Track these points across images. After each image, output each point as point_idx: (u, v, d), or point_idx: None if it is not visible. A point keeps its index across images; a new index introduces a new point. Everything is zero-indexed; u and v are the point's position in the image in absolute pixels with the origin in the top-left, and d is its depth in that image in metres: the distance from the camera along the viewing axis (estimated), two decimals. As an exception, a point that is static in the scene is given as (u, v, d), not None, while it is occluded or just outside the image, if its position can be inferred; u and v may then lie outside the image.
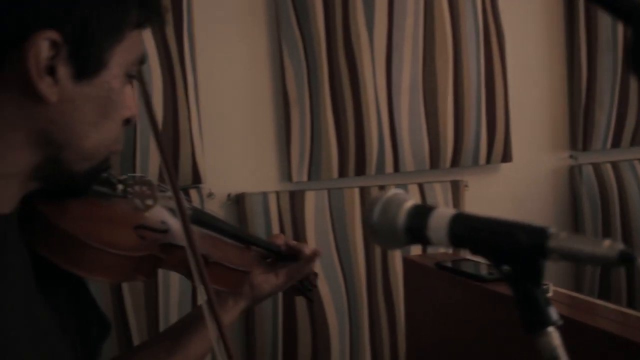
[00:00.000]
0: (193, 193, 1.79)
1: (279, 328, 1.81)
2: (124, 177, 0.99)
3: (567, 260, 0.60)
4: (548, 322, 0.61)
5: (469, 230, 0.65)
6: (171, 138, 1.75)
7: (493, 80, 1.97)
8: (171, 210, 1.00)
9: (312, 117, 1.84)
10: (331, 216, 1.84)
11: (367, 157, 1.86)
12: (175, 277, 1.72)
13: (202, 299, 0.84)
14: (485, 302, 1.22)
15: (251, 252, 1.20)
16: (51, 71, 0.71)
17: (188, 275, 0.92)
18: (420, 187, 1.87)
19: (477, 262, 1.34)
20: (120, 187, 0.97)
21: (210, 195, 1.82)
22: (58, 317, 0.85)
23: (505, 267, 0.63)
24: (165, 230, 0.98)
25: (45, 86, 0.71)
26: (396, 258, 1.85)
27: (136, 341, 1.72)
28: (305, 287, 1.28)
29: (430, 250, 1.60)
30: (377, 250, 1.85)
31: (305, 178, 1.86)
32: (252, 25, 1.85)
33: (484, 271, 1.26)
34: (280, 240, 1.27)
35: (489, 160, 1.99)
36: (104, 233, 0.88)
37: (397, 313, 1.86)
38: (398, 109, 1.86)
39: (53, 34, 0.70)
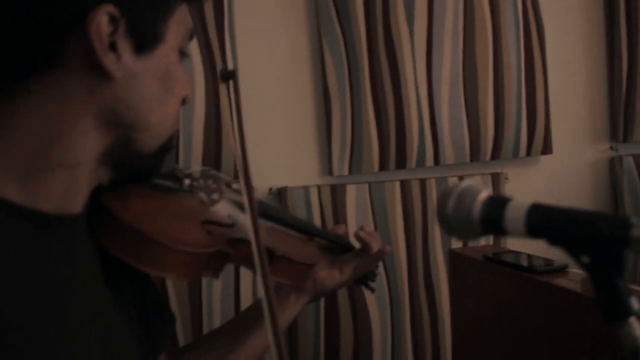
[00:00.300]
0: (235, 188, 1.81)
1: (321, 320, 1.82)
2: (189, 171, 0.98)
3: (650, 251, 0.61)
4: (630, 312, 0.61)
5: (547, 221, 0.65)
6: (214, 133, 1.76)
7: (533, 72, 1.97)
8: (235, 203, 1.00)
9: (352, 111, 1.85)
10: (372, 210, 1.85)
11: (408, 150, 1.86)
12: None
13: (262, 294, 0.83)
14: (538, 294, 1.21)
15: (314, 244, 1.19)
16: (113, 47, 0.71)
17: (254, 269, 0.91)
18: (461, 179, 1.87)
19: (521, 253, 1.33)
20: (187, 181, 0.96)
21: (251, 189, 1.83)
22: (125, 312, 0.86)
23: (585, 258, 0.63)
24: (232, 225, 0.97)
25: (110, 62, 0.70)
26: (437, 251, 1.86)
27: (180, 337, 1.74)
28: (368, 277, 1.26)
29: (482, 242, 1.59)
30: (419, 244, 1.85)
31: (346, 172, 1.87)
32: (293, 20, 1.86)
33: (535, 262, 1.25)
34: (341, 231, 1.25)
35: (529, 152, 1.99)
36: (171, 229, 0.86)
37: (438, 306, 1.86)
38: (438, 102, 1.86)
39: (111, 8, 0.69)
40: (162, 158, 0.84)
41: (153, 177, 0.88)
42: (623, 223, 0.61)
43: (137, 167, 0.81)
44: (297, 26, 1.87)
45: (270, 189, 1.85)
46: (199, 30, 1.73)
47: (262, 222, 1.07)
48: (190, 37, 0.82)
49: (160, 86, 0.76)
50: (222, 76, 0.91)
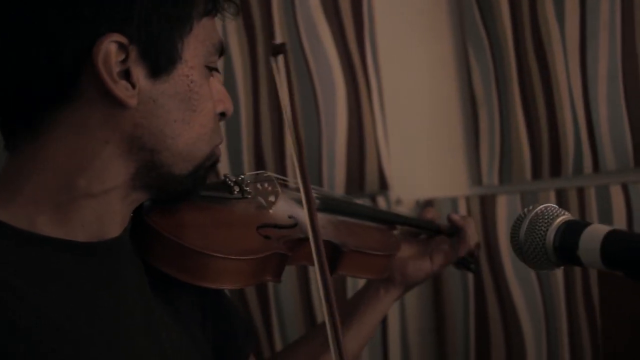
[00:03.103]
0: (381, 200, 1.79)
1: (471, 330, 1.76)
2: (240, 177, 0.97)
3: None
4: None
5: (625, 251, 0.58)
6: (357, 144, 1.77)
7: None
8: (298, 202, 0.97)
9: (501, 117, 1.76)
10: (525, 220, 1.75)
11: (563, 156, 1.74)
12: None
13: (321, 293, 0.79)
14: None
15: (395, 232, 1.14)
16: (127, 75, 0.71)
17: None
18: (624, 188, 1.70)
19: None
20: (236, 188, 0.95)
21: (398, 202, 1.82)
22: (184, 328, 0.88)
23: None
24: (294, 225, 0.96)
25: (121, 91, 0.71)
26: (598, 265, 1.71)
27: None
28: (465, 259, 1.20)
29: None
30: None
31: (496, 181, 1.79)
32: (436, 27, 1.82)
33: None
34: (429, 214, 1.20)
35: None
36: (224, 239, 0.86)
37: (598, 322, 1.71)
38: (595, 102, 1.71)
39: (117, 37, 0.70)
40: (204, 176, 0.84)
41: (195, 195, 0.88)
42: None
43: (172, 189, 0.81)
44: (440, 33, 1.82)
45: (417, 201, 1.81)
46: (339, 41, 1.74)
47: (330, 217, 1.04)
48: (219, 51, 0.81)
49: (183, 107, 0.76)
50: (272, 51, 0.88)
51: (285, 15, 1.75)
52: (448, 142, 1.83)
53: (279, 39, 1.74)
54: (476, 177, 1.81)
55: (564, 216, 0.64)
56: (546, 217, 0.64)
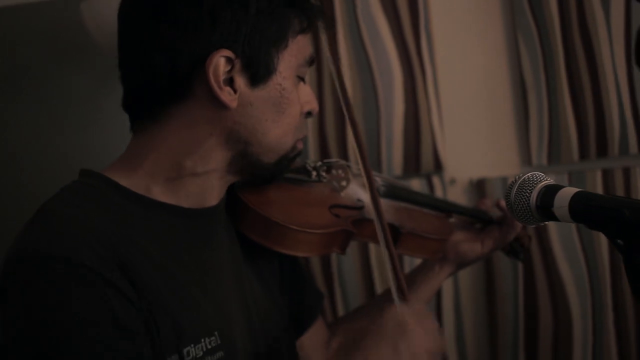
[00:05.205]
0: (436, 180, 1.92)
1: (520, 307, 1.87)
2: (318, 163, 1.14)
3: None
4: (658, 290, 0.65)
5: (586, 207, 0.71)
6: (413, 128, 1.90)
7: None
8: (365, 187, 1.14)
9: (549, 100, 1.86)
10: (572, 198, 1.84)
11: (609, 137, 1.82)
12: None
13: (388, 268, 0.97)
14: None
15: (451, 220, 1.28)
16: (231, 82, 0.88)
17: (379, 244, 1.04)
18: (671, 166, 1.78)
19: None
20: (314, 173, 1.13)
21: (452, 181, 1.94)
22: (263, 281, 1.05)
23: (619, 241, 0.68)
24: (361, 207, 1.13)
25: (225, 95, 0.87)
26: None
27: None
28: (514, 248, 1.32)
29: None
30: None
31: (545, 161, 1.88)
32: (487, 17, 1.92)
33: None
34: (484, 205, 1.33)
35: None
36: (301, 215, 1.03)
37: (642, 296, 1.79)
38: (640, 85, 1.79)
39: (226, 52, 0.86)
40: (287, 164, 1.00)
41: (280, 179, 1.05)
42: (643, 208, 0.65)
43: (260, 174, 0.98)
44: (492, 23, 1.92)
45: (471, 181, 1.93)
46: (396, 32, 1.88)
47: (392, 203, 1.19)
48: (310, 63, 0.97)
49: (274, 110, 0.92)
50: (325, 26, 1.03)
51: (346, 10, 1.89)
52: (499, 124, 1.94)
53: (341, 33, 1.89)
54: (526, 157, 1.91)
55: (546, 181, 0.77)
56: (532, 182, 0.77)
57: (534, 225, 0.78)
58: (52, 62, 1.92)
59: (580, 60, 1.82)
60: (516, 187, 0.78)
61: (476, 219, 1.31)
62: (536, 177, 0.78)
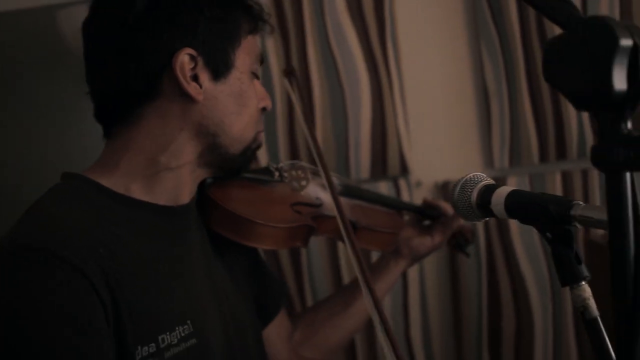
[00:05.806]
0: (402, 183, 1.99)
1: (484, 305, 1.94)
2: (280, 164, 1.22)
3: (588, 226, 0.71)
4: (580, 277, 0.72)
5: (518, 204, 0.78)
6: (380, 133, 1.96)
7: None
8: (324, 187, 1.22)
9: (510, 106, 1.93)
10: (533, 200, 1.91)
11: (567, 141, 1.90)
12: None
13: (354, 264, 1.03)
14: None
15: (401, 216, 1.37)
16: (195, 78, 0.95)
17: (340, 239, 1.13)
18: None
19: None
20: (277, 173, 1.21)
21: (418, 184, 2.00)
22: (232, 275, 1.12)
23: (548, 234, 0.75)
24: (320, 205, 1.21)
25: (192, 89, 0.95)
26: (598, 238, 1.87)
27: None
28: (459, 243, 1.41)
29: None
30: (581, 230, 1.88)
31: (507, 164, 1.96)
32: (451, 26, 1.99)
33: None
34: (428, 202, 1.42)
35: None
36: (266, 211, 1.10)
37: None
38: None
39: (189, 50, 0.94)
40: (251, 156, 1.07)
41: (245, 172, 1.13)
42: (566, 204, 0.72)
43: (227, 166, 1.05)
44: (456, 32, 1.99)
45: (436, 183, 2.00)
46: (363, 39, 1.94)
47: (347, 201, 1.28)
48: (260, 61, 1.06)
49: (236, 103, 1.00)
50: (284, 73, 1.14)
51: (315, 17, 1.95)
52: (463, 129, 2.01)
53: (309, 39, 1.95)
54: (489, 160, 1.99)
55: (485, 181, 0.83)
56: (473, 182, 0.83)
57: (476, 222, 0.84)
58: (30, 70, 1.96)
59: (539, 68, 1.90)
60: (459, 187, 0.84)
61: (423, 216, 1.40)
62: (477, 178, 0.84)
